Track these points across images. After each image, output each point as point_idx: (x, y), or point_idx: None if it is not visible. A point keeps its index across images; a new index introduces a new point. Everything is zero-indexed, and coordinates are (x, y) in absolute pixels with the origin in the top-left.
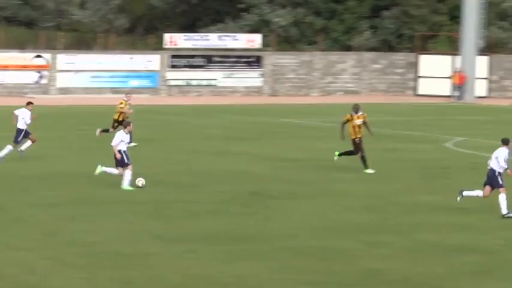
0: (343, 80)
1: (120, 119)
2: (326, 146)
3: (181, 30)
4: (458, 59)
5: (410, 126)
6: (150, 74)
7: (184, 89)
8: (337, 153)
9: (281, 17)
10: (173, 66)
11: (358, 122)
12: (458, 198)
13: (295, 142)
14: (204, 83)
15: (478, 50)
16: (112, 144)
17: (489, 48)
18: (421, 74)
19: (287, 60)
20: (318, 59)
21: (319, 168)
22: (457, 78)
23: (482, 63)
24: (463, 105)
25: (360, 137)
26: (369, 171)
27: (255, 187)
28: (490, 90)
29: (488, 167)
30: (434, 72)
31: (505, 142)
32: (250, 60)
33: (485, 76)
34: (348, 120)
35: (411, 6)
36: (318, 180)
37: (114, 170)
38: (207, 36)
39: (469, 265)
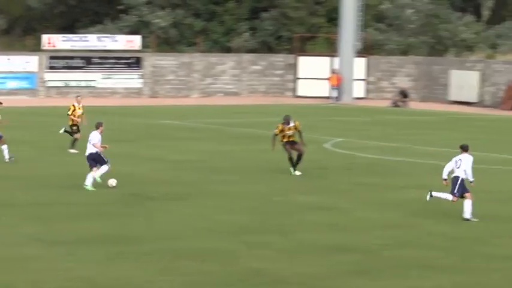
0: (223, 81)
1: (75, 123)
2: (206, 148)
3: (60, 31)
4: (336, 60)
5: None
6: (28, 75)
7: (63, 90)
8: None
9: (160, 18)
10: (51, 68)
11: (290, 133)
12: (429, 197)
13: (175, 143)
14: (83, 84)
15: (355, 52)
16: (93, 143)
17: (366, 49)
18: (300, 75)
19: (167, 61)
20: (197, 60)
21: (199, 170)
22: (335, 79)
23: (360, 65)
24: (342, 106)
25: (290, 141)
26: (297, 173)
27: (136, 189)
28: (367, 91)
29: (452, 175)
30: (313, 74)
31: (465, 149)
32: (130, 61)
33: (363, 77)
34: (280, 132)
35: (289, 8)
36: (198, 182)
37: (104, 168)
38: (86, 37)
39: (347, 264)
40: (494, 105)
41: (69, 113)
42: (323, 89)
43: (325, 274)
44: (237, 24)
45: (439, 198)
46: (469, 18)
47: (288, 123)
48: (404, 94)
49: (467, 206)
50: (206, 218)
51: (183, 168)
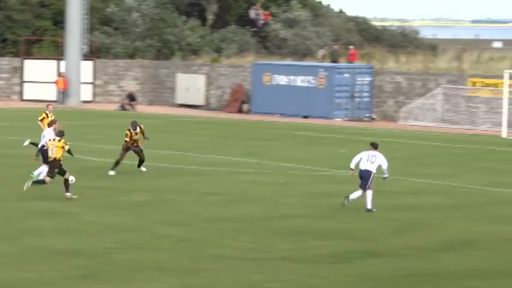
0: None
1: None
2: None
3: None
4: (63, 63)
5: (17, 131)
6: None
7: None
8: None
9: None
10: None
11: (137, 137)
12: (346, 202)
13: None
14: None
15: (82, 55)
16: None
17: (93, 53)
18: (26, 78)
19: None
20: None
21: None
22: (61, 82)
23: (87, 68)
24: (69, 109)
25: (136, 146)
26: (111, 173)
27: None
28: (94, 94)
29: (363, 169)
30: (40, 77)
31: (375, 146)
32: None
33: (90, 81)
34: (130, 138)
35: (14, 11)
36: None
37: (42, 168)
38: None
39: (76, 269)
40: (220, 108)
41: (39, 118)
42: (50, 92)
43: (54, 279)
44: None
45: (353, 199)
46: (194, 22)
47: (135, 129)
48: (131, 97)
49: (369, 197)
50: None
51: None
